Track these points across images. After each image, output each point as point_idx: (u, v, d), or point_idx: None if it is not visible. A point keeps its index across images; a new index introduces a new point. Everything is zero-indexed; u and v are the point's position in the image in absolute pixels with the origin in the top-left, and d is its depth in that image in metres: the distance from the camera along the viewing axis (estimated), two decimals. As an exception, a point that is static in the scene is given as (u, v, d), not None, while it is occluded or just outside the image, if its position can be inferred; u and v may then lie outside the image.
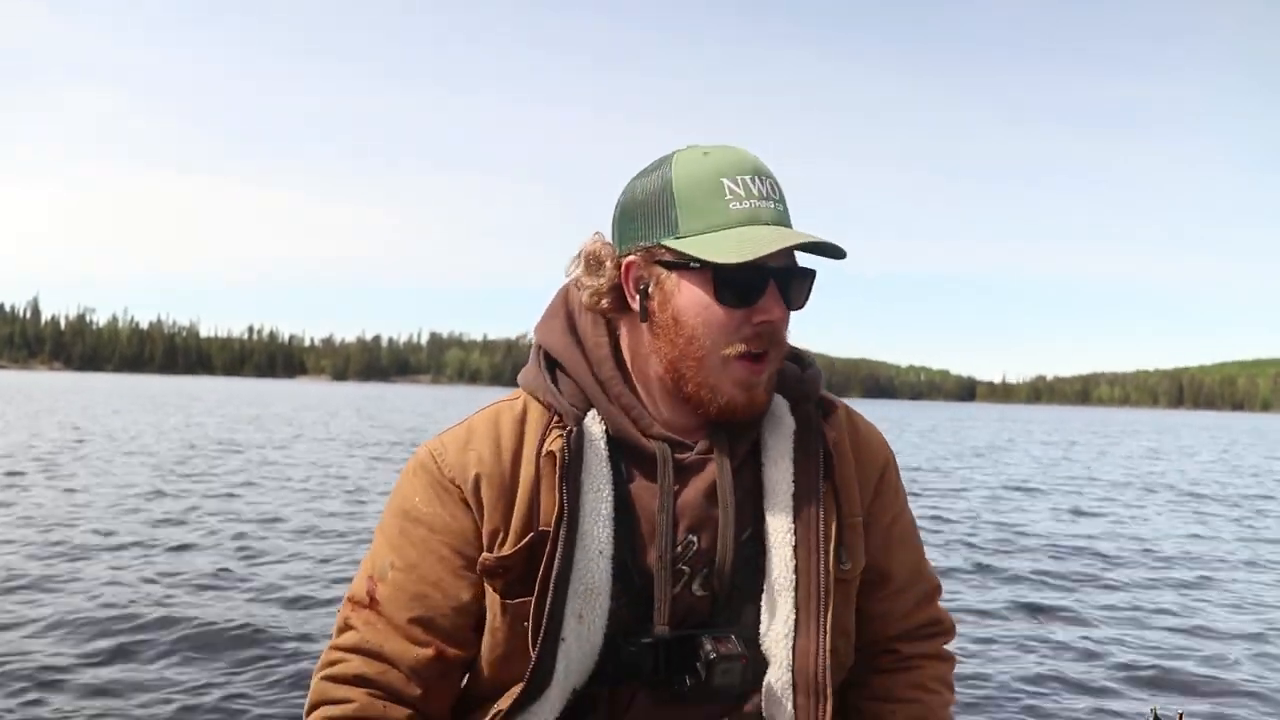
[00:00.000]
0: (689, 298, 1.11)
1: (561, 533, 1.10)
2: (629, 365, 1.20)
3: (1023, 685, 4.25)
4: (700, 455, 1.17)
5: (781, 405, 1.21)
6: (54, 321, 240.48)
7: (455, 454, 1.17)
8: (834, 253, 1.12)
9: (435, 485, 1.16)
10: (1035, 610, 5.71)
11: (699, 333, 1.11)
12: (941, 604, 1.34)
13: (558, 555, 1.09)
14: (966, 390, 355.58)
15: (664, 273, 1.12)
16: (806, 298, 1.15)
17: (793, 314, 1.14)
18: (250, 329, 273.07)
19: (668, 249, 1.11)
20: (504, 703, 1.13)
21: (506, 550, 1.13)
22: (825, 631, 1.13)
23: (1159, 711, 3.67)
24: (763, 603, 1.16)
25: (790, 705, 1.13)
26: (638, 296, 1.15)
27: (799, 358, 1.25)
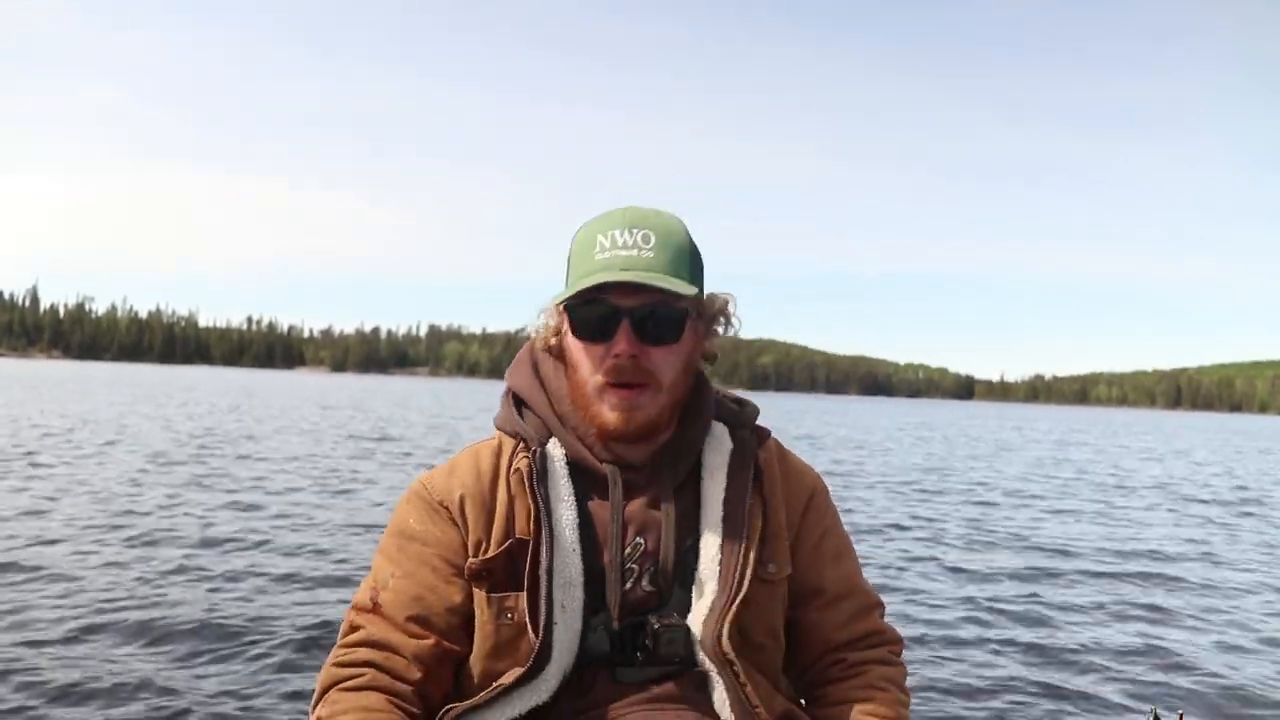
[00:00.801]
0: (570, 336, 1.36)
1: (543, 531, 1.29)
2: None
3: (1023, 687, 4.22)
4: (646, 476, 1.37)
5: (721, 430, 1.42)
6: (53, 310, 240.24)
7: (443, 481, 1.38)
8: (668, 293, 1.29)
9: (427, 508, 1.37)
10: (1033, 612, 5.68)
11: (578, 364, 1.34)
12: (887, 619, 1.47)
13: (543, 550, 1.29)
14: (965, 389, 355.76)
15: (561, 318, 1.38)
16: (675, 334, 1.33)
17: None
18: (249, 319, 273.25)
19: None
20: (507, 679, 1.29)
21: (490, 554, 1.33)
22: (732, 607, 1.29)
23: (1159, 712, 3.65)
24: (693, 592, 1.34)
25: (714, 673, 1.31)
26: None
27: (740, 401, 1.48)
